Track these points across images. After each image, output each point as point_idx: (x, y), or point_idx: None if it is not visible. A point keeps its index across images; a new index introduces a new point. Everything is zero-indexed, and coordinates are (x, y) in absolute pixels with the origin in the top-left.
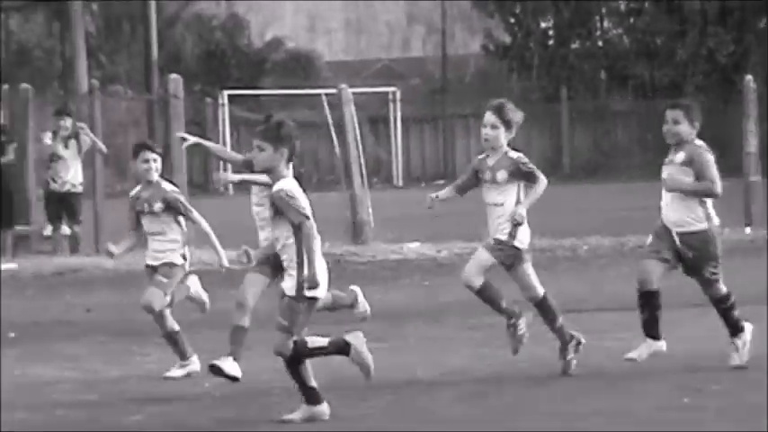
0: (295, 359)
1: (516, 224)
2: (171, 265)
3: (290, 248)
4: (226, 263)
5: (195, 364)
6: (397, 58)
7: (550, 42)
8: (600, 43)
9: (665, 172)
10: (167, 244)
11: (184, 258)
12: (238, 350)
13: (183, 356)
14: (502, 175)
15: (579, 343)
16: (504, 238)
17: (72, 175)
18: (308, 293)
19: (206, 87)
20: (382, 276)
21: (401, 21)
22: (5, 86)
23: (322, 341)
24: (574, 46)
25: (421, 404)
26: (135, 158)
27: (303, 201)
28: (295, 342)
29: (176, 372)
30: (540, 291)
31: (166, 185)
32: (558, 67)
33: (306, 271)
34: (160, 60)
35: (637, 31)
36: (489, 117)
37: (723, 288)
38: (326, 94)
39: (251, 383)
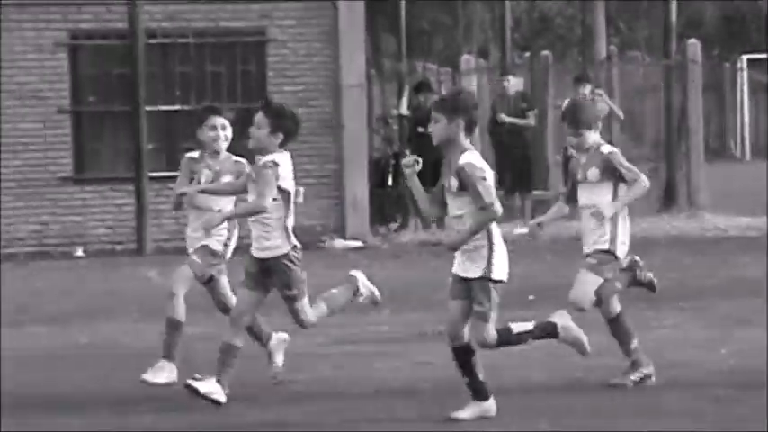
0: (470, 351)
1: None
2: (208, 252)
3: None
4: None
5: (173, 371)
6: None
7: None
8: None
9: None
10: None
11: (224, 245)
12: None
13: (169, 356)
14: (593, 172)
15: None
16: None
17: None
18: (494, 276)
19: (724, 52)
20: None
21: None
22: (527, 54)
23: (527, 325)
24: None
25: None
26: (201, 125)
27: (491, 179)
28: (499, 330)
29: (153, 376)
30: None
31: (236, 159)
32: None
33: (457, 238)
34: (679, 25)
35: None
36: (568, 129)
37: None
38: None
39: None
